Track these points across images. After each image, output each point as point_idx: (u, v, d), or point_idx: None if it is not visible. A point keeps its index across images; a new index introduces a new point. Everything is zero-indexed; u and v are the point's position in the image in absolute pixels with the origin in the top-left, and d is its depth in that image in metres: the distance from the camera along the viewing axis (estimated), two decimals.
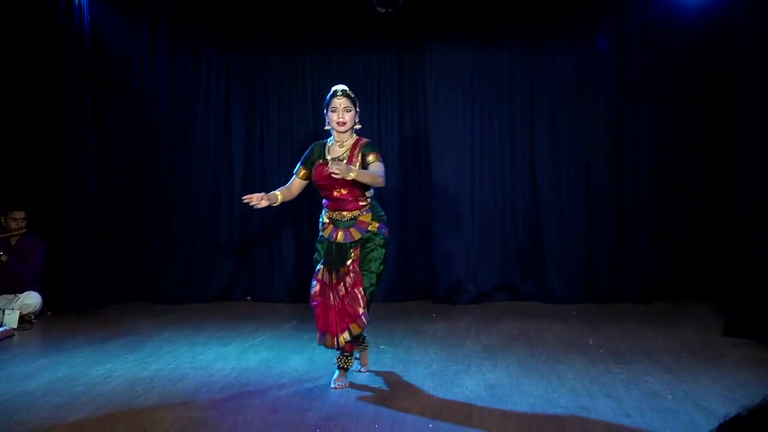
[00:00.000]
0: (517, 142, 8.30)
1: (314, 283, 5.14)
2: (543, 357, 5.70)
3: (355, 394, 4.79)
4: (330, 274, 5.04)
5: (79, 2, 7.80)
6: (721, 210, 7.79)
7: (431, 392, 4.80)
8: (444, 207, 8.25)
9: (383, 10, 7.49)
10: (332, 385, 4.99)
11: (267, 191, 8.33)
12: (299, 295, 8.35)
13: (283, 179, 8.34)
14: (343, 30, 8.35)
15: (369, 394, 4.79)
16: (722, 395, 4.66)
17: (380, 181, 4.94)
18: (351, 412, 4.43)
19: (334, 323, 4.96)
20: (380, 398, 4.69)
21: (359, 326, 4.95)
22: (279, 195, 5.15)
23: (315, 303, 5.10)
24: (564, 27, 8.16)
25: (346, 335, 4.94)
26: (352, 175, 4.71)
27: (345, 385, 5.00)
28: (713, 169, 8.01)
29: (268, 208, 5.22)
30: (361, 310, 4.93)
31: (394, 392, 4.80)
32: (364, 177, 4.85)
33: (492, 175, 8.32)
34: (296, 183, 5.24)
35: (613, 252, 8.13)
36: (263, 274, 8.51)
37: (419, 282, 8.28)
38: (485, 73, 8.31)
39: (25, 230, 7.55)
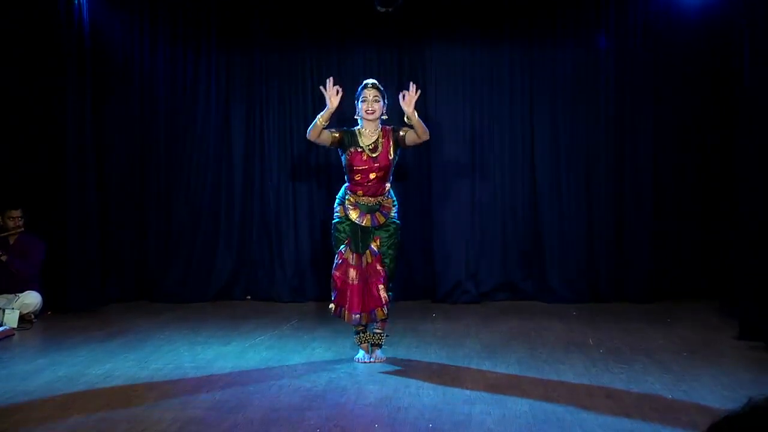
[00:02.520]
0: (518, 141, 8.30)
1: (338, 256, 5.53)
2: (543, 356, 5.70)
3: (354, 393, 4.78)
4: (355, 255, 5.48)
5: (79, 2, 7.79)
6: (721, 209, 7.79)
7: (431, 392, 4.79)
8: (444, 206, 8.25)
9: (383, 10, 7.48)
10: (367, 360, 5.55)
11: (267, 190, 8.44)
12: (299, 294, 8.37)
13: (284, 178, 8.45)
14: (344, 29, 8.35)
15: (369, 393, 4.78)
16: (722, 395, 4.65)
17: (427, 131, 5.53)
18: (351, 411, 4.43)
19: (357, 302, 5.43)
20: (380, 398, 4.68)
21: (384, 313, 5.49)
22: (323, 131, 5.48)
23: (335, 277, 5.50)
24: (564, 26, 8.16)
25: (365, 317, 5.47)
26: (409, 111, 5.36)
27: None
28: (713, 169, 8.01)
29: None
30: (383, 303, 5.46)
31: (394, 392, 4.79)
32: (418, 122, 5.43)
33: (492, 174, 8.32)
34: (326, 135, 5.49)
35: (613, 251, 8.13)
36: (263, 273, 8.51)
37: (419, 281, 8.27)
38: (485, 73, 8.31)
39: (23, 229, 7.55)
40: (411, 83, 5.50)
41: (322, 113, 5.45)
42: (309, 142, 8.31)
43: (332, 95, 5.42)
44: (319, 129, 5.42)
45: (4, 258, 7.30)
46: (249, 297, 8.56)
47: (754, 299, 6.12)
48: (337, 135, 5.50)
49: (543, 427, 4.11)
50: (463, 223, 8.27)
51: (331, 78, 5.54)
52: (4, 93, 7.79)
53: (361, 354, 5.61)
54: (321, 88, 5.54)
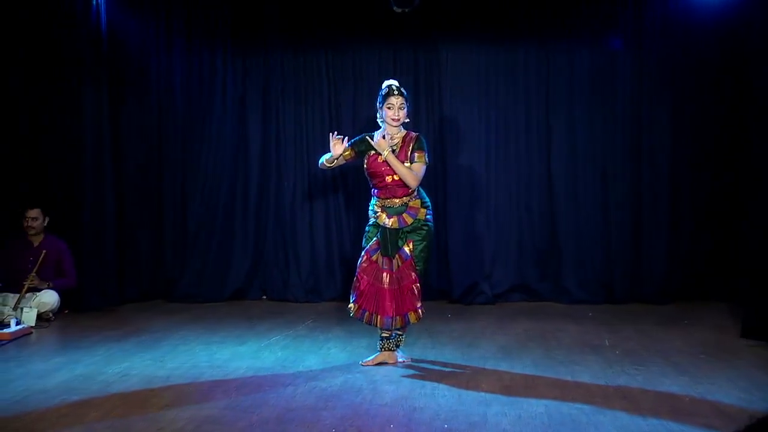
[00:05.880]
0: (533, 141, 8.28)
1: (364, 257, 5.51)
2: (559, 358, 5.69)
3: (370, 394, 4.79)
4: (385, 258, 5.43)
5: (97, 2, 7.84)
6: (739, 210, 7.74)
7: (446, 393, 4.79)
8: (459, 207, 8.24)
9: (400, 10, 7.48)
10: (362, 362, 5.54)
11: (283, 191, 8.45)
12: (315, 294, 8.38)
13: (300, 178, 8.46)
14: (359, 29, 8.35)
15: (384, 394, 4.79)
16: (739, 397, 4.63)
17: (410, 181, 5.40)
18: (366, 411, 4.43)
19: (390, 306, 5.38)
20: (395, 398, 4.68)
21: (417, 316, 5.44)
22: (335, 160, 5.57)
23: (360, 278, 5.47)
24: (581, 24, 8.12)
25: (399, 320, 5.40)
26: (385, 153, 5.36)
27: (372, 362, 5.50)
28: (732, 169, 7.94)
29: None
30: (418, 304, 5.42)
31: (410, 392, 4.80)
32: (396, 164, 5.37)
33: (507, 174, 8.30)
34: (339, 158, 5.57)
35: (629, 252, 8.09)
36: (278, 273, 8.53)
37: (434, 282, 8.23)
38: (501, 72, 8.30)
39: (42, 233, 7.56)
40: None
41: (327, 156, 5.58)
42: (325, 140, 8.40)
43: (336, 144, 5.50)
44: (326, 166, 5.63)
45: (51, 285, 7.35)
46: (264, 297, 8.59)
47: (758, 298, 6.13)
48: (348, 153, 5.56)
49: (559, 429, 4.10)
50: (478, 224, 8.25)
51: (335, 132, 5.59)
52: (23, 94, 7.86)
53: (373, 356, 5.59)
54: (330, 134, 5.60)
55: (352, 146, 5.57)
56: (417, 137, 5.52)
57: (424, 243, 5.47)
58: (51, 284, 7.39)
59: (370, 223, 5.55)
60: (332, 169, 5.76)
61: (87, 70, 7.82)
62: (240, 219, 8.57)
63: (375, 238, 5.47)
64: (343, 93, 8.46)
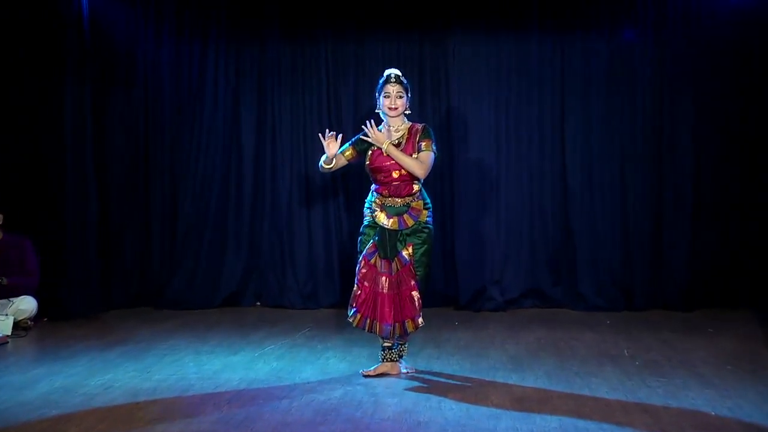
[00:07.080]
0: (547, 138, 8.26)
1: (362, 263, 5.48)
2: (574, 369, 5.67)
3: (371, 407, 4.76)
4: (383, 261, 5.41)
5: None
6: (765, 213, 7.71)
7: (453, 406, 4.76)
8: (467, 206, 8.23)
9: None
10: (362, 371, 5.54)
11: (278, 188, 8.43)
12: (312, 300, 8.36)
13: (296, 175, 8.43)
14: (362, 18, 8.34)
15: (386, 407, 4.76)
16: None
17: (417, 170, 5.36)
18: (367, 426, 4.40)
19: (388, 312, 5.36)
20: (398, 412, 4.66)
21: (414, 326, 5.39)
22: (334, 159, 5.54)
23: (361, 286, 5.44)
24: (598, 15, 8.11)
25: (398, 328, 5.37)
26: (385, 146, 5.33)
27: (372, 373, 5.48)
28: (757, 170, 7.91)
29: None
30: (417, 313, 5.40)
31: (414, 406, 4.78)
32: (399, 156, 5.33)
33: (519, 173, 8.28)
34: (340, 159, 5.60)
35: (649, 256, 8.07)
36: (274, 278, 8.51)
37: (440, 287, 8.22)
38: (512, 64, 8.28)
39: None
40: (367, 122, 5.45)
41: (324, 158, 5.55)
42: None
43: (330, 143, 5.49)
44: (325, 169, 5.59)
45: (5, 282, 7.27)
46: (259, 303, 8.59)
47: None
48: (349, 153, 5.58)
49: None
50: (487, 224, 8.23)
51: (327, 130, 5.57)
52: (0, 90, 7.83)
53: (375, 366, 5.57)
54: (320, 135, 5.58)
55: (353, 145, 5.58)
56: (423, 127, 5.52)
57: (425, 247, 5.45)
58: (5, 280, 7.28)
59: (365, 223, 5.52)
60: (334, 171, 5.71)
61: (68, 64, 7.78)
62: (233, 220, 8.55)
63: (372, 241, 5.44)
64: (343, 88, 8.44)
